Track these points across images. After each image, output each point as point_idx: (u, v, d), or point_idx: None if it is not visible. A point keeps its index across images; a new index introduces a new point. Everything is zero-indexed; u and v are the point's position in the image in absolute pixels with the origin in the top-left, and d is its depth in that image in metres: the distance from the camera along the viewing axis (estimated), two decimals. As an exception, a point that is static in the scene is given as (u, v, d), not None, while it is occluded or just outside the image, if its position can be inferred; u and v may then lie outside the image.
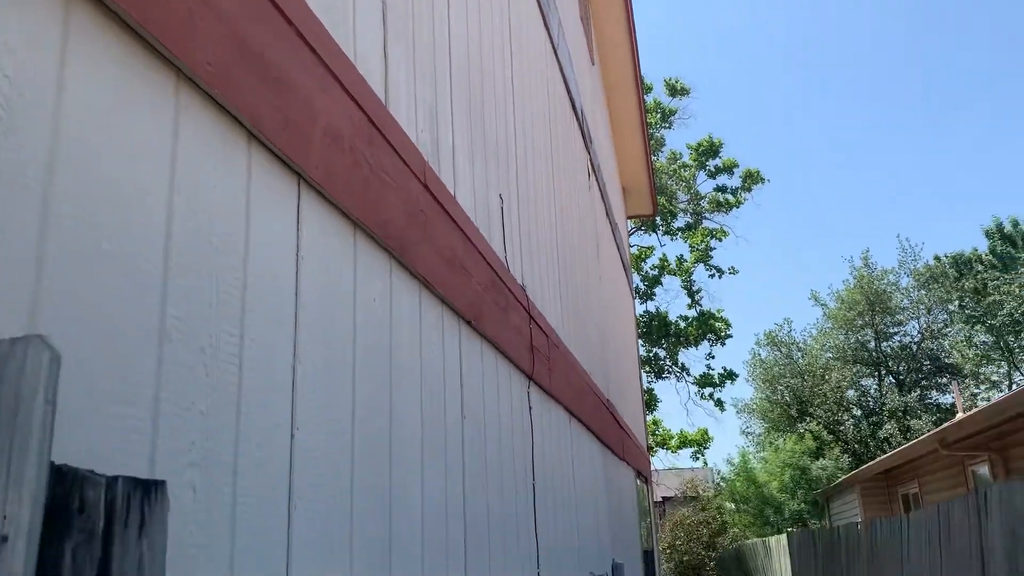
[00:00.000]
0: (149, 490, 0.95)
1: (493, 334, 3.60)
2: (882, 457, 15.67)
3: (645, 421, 16.62)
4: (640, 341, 18.01)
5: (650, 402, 22.62)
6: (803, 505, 22.50)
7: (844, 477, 18.63)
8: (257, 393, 1.64)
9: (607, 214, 10.49)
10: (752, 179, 25.16)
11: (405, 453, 2.45)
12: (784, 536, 12.23)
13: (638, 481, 11.43)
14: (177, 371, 1.39)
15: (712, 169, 25.25)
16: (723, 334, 22.86)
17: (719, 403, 24.76)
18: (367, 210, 2.17)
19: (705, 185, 25.61)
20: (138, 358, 1.29)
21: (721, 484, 26.59)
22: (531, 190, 5.22)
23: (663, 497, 26.03)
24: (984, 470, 10.56)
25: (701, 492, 25.75)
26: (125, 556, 0.90)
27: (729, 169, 25.06)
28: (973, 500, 4.19)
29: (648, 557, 11.44)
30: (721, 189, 25.19)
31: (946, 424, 11.39)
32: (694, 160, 25.19)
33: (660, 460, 23.42)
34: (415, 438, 2.55)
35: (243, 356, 1.61)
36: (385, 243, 2.29)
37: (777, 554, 12.73)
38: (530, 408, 4.43)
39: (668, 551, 23.04)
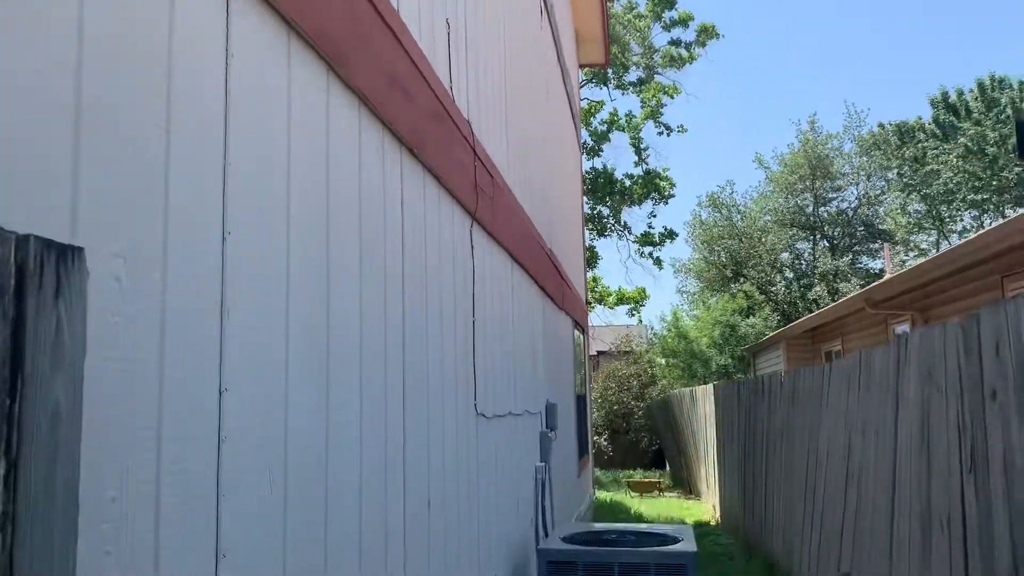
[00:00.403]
0: (66, 254, 0.89)
1: (436, 166, 3.52)
2: (809, 316, 16.34)
3: (585, 277, 16.92)
4: (585, 198, 18.03)
5: (591, 259, 22.94)
6: (730, 361, 23.53)
7: (771, 334, 19.43)
8: (185, 191, 1.57)
9: (558, 59, 10.20)
10: (707, 34, 24.65)
11: (342, 275, 2.42)
12: (710, 386, 12.81)
13: (576, 331, 11.74)
14: (99, 158, 1.31)
15: (667, 22, 24.62)
16: (667, 193, 23.04)
17: (658, 262, 25.27)
18: (302, 11, 2.03)
19: (660, 38, 25.05)
20: (55, 133, 1.21)
21: (654, 339, 27.53)
22: (480, 21, 5.00)
23: (598, 351, 26.87)
24: (905, 328, 11.11)
25: (635, 347, 26.66)
26: (40, 315, 0.85)
27: (684, 22, 24.46)
28: (894, 347, 4.39)
29: (581, 402, 11.92)
30: (675, 43, 24.68)
31: (874, 283, 11.86)
32: (649, 11, 24.48)
33: (597, 316, 24.00)
34: (353, 260, 2.52)
35: (170, 153, 1.53)
36: (322, 50, 2.16)
37: (702, 402, 13.37)
38: (472, 247, 4.42)
39: (599, 400, 24.05)
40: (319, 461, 2.23)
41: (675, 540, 5.25)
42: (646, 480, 17.00)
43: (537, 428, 6.87)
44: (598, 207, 23.66)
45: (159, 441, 1.48)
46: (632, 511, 13.06)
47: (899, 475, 4.21)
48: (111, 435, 1.34)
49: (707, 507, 13.25)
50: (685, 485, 16.32)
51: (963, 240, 8.69)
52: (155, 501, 1.47)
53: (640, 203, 23.43)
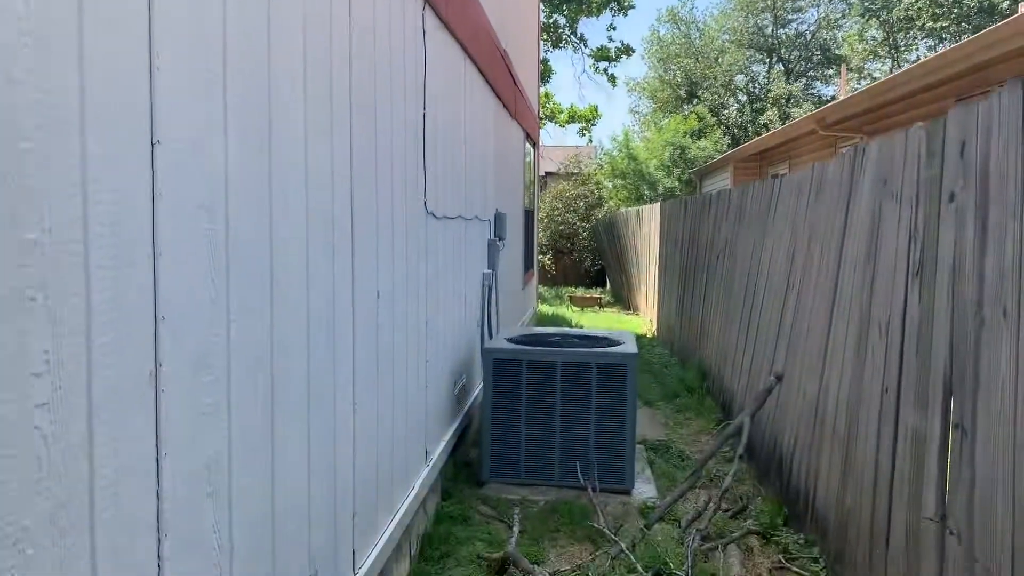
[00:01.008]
0: None
1: (388, -69, 3.19)
2: (760, 137, 16.28)
3: (538, 91, 16.41)
4: (540, 4, 17.16)
5: (544, 73, 22.24)
6: (677, 183, 23.62)
7: (719, 157, 19.44)
8: None
9: None
10: None
11: (283, 62, 2.20)
12: (657, 205, 12.86)
13: (527, 144, 11.51)
14: None
15: None
16: (627, 4, 22.10)
17: (612, 78, 24.65)
18: None
19: None
20: None
21: (603, 160, 27.37)
22: None
23: (546, 172, 26.67)
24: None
25: (583, 168, 26.51)
26: None
27: None
28: (849, 156, 4.34)
29: (529, 217, 11.90)
30: None
31: (827, 105, 11.76)
32: None
33: (548, 135, 23.63)
34: (296, 32, 2.29)
35: None
36: None
37: (648, 220, 13.48)
38: (424, 33, 4.13)
39: (545, 220, 24.13)
40: (260, 222, 2.12)
41: (617, 343, 5.38)
42: (587, 295, 17.42)
43: (486, 236, 6.82)
44: (554, 15, 22.67)
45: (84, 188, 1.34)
46: (573, 323, 13.44)
47: (841, 283, 4.29)
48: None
49: (644, 321, 13.69)
50: (625, 302, 16.79)
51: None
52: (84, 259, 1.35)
53: (598, 13, 22.49)
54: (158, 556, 1.62)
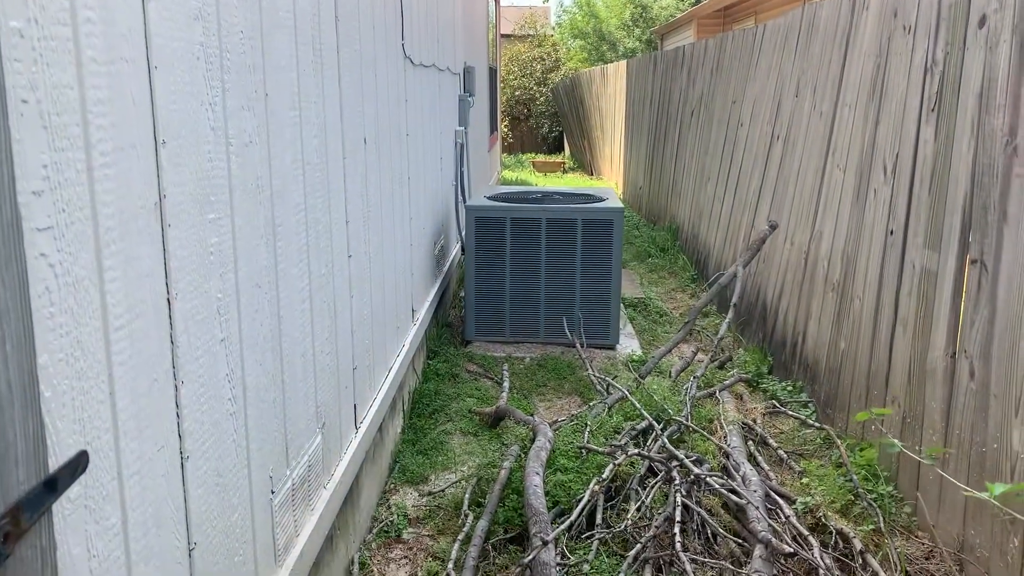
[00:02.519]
0: None
1: None
2: (726, -8, 15.72)
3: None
4: None
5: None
6: (638, 44, 22.96)
7: (681, 14, 18.84)
8: None
9: None
10: None
11: None
12: (623, 63, 12.46)
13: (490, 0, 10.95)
14: None
15: None
16: None
17: (571, -70, 23.43)
18: None
19: None
20: None
21: (562, 19, 26.40)
22: None
23: (502, 34, 25.69)
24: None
25: (539, 29, 25.59)
26: None
27: None
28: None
29: (493, 76, 11.47)
30: None
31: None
32: None
33: (503, -10, 22.56)
34: None
35: None
36: None
37: (613, 79, 13.10)
38: None
39: (501, 86, 23.44)
40: (254, 43, 1.89)
41: (600, 199, 5.24)
42: (550, 160, 17.15)
43: (456, 91, 6.50)
44: None
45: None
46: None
47: (837, 129, 4.16)
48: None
49: (610, 185, 13.55)
50: (587, 167, 16.57)
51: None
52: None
53: None
54: (176, 404, 1.49)
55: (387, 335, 3.55)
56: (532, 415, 4.09)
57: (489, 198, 5.22)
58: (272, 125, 2.00)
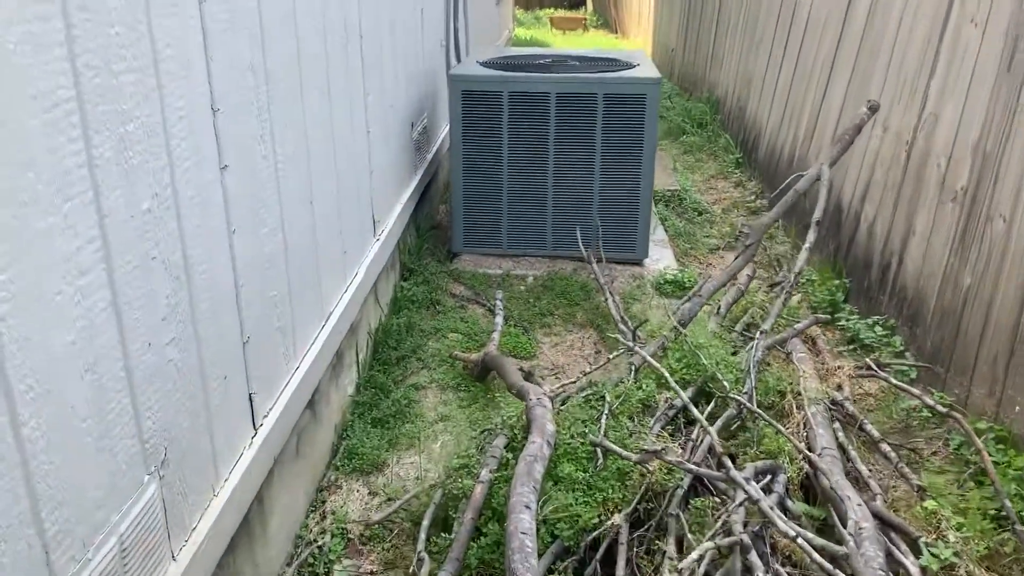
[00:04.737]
0: None
1: None
2: None
3: None
4: None
5: None
6: None
7: None
8: None
9: None
10: None
11: None
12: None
13: None
14: None
15: None
16: None
17: None
18: None
19: None
20: None
21: None
22: None
23: None
24: None
25: None
26: None
27: None
28: None
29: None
30: None
31: None
32: None
33: None
34: None
35: None
36: None
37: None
38: None
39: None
40: None
41: (629, 66, 4.00)
42: (570, 16, 15.46)
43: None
44: None
45: None
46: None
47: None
48: None
49: (638, 45, 12.03)
50: (612, 24, 14.89)
51: None
52: None
53: None
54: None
55: (322, 269, 2.48)
56: (531, 357, 3.08)
57: (483, 64, 3.99)
58: None
